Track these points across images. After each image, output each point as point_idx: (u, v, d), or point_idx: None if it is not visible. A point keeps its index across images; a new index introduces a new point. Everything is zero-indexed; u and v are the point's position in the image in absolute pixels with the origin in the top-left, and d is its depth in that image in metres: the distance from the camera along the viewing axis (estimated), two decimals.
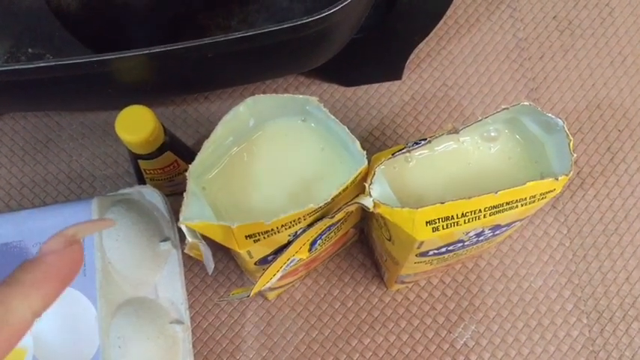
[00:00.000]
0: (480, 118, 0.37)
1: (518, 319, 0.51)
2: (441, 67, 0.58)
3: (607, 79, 0.57)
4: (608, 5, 0.59)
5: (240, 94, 0.57)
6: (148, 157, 0.45)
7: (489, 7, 0.59)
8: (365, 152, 0.37)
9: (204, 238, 0.36)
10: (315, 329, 0.51)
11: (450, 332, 0.50)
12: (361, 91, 0.57)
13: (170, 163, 0.48)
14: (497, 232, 0.40)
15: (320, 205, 0.35)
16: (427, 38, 0.55)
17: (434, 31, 0.54)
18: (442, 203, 0.35)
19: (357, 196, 0.38)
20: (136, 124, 0.42)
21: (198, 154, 0.37)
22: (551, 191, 0.36)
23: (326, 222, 0.37)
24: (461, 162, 0.40)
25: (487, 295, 0.51)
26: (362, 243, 0.53)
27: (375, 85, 0.57)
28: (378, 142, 0.56)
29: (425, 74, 0.58)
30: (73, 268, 0.26)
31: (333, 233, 0.42)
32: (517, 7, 0.59)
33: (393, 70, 0.57)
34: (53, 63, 0.38)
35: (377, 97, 0.57)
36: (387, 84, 0.57)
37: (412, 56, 0.56)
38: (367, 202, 0.36)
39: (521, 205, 0.36)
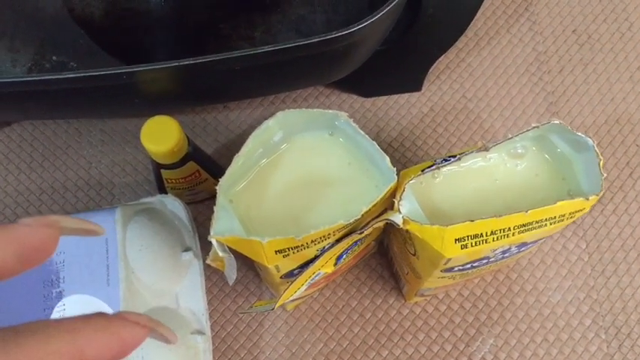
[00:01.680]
0: (509, 136, 0.37)
1: (536, 334, 0.51)
2: (460, 80, 0.58)
3: (626, 94, 0.57)
4: (627, 20, 0.59)
5: (259, 104, 0.57)
6: (171, 166, 0.45)
7: (509, 20, 0.59)
8: (395, 168, 0.37)
9: (230, 250, 0.36)
10: (334, 341, 0.51)
11: (469, 346, 0.50)
12: (380, 101, 0.57)
13: (192, 172, 0.48)
14: (523, 248, 0.40)
15: (350, 221, 0.35)
16: (447, 51, 0.55)
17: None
18: (472, 221, 0.35)
19: (385, 211, 0.38)
20: (161, 135, 0.42)
21: (229, 167, 0.37)
22: (581, 210, 0.36)
23: (354, 237, 0.37)
24: (488, 178, 0.40)
25: (505, 309, 0.51)
26: (380, 255, 0.53)
27: (395, 97, 0.57)
28: (397, 154, 0.56)
29: (444, 86, 0.58)
30: (40, 249, 0.25)
31: (357, 247, 0.42)
32: (537, 21, 0.59)
33: (412, 82, 0.57)
34: (82, 74, 0.38)
35: (396, 108, 0.57)
36: (406, 95, 0.57)
37: (432, 68, 0.56)
38: (397, 218, 0.36)
39: (550, 224, 0.36)
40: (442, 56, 0.56)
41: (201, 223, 0.53)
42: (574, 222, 0.53)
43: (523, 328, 0.51)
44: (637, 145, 0.56)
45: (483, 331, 0.51)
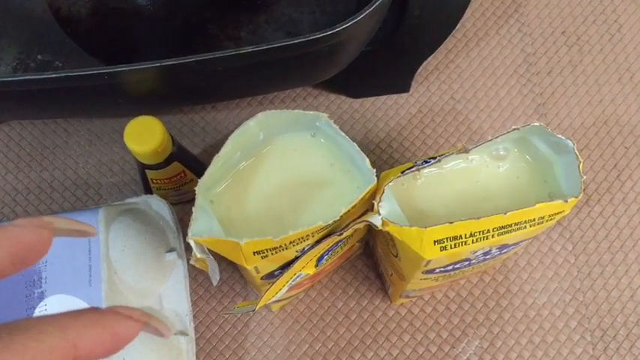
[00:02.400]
0: (490, 138, 0.37)
1: (522, 336, 0.51)
2: (448, 81, 0.58)
3: (615, 96, 0.57)
4: (616, 22, 0.59)
5: (247, 104, 0.57)
6: (156, 167, 0.45)
7: (498, 21, 0.59)
8: (374, 170, 0.37)
9: (211, 251, 0.36)
10: (319, 342, 0.51)
11: (454, 347, 0.50)
12: (368, 102, 0.57)
13: (177, 173, 0.48)
14: (504, 250, 0.40)
15: (328, 222, 0.35)
16: (436, 52, 0.55)
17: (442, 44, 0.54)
18: (451, 223, 0.35)
19: (365, 213, 0.38)
20: (144, 135, 0.42)
21: (208, 168, 0.37)
22: (560, 212, 0.36)
23: (334, 239, 0.37)
24: (469, 180, 0.40)
25: (491, 311, 0.51)
26: (366, 256, 0.53)
27: (383, 98, 0.57)
28: (384, 155, 0.56)
29: (433, 87, 0.58)
30: (34, 250, 0.25)
31: (339, 248, 0.42)
32: (526, 22, 0.59)
33: (400, 83, 0.57)
34: (64, 74, 0.38)
35: (384, 109, 0.57)
36: (394, 96, 0.57)
37: (420, 69, 0.56)
38: (376, 220, 0.36)
39: (530, 226, 0.36)
40: (430, 57, 0.56)
41: (187, 223, 0.52)
42: (560, 223, 0.53)
43: (509, 330, 0.51)
44: (625, 147, 0.56)
45: (469, 332, 0.51)
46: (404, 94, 0.57)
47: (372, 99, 0.57)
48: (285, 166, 0.40)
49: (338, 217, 0.35)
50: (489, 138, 0.37)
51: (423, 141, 0.56)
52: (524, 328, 0.51)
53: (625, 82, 0.58)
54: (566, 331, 0.51)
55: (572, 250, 0.53)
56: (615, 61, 0.58)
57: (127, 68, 0.39)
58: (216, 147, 0.56)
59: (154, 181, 0.48)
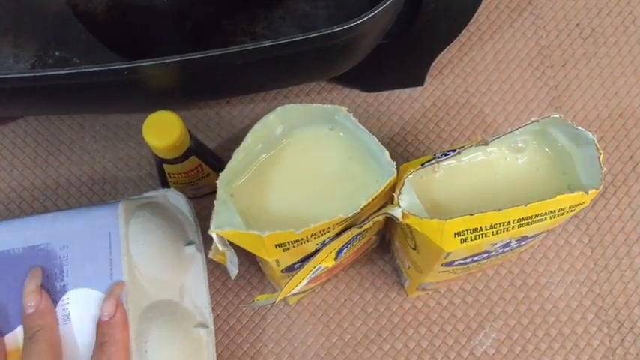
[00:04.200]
0: (509, 130, 0.37)
1: (538, 328, 0.51)
2: (463, 74, 0.58)
3: (630, 88, 0.57)
4: (631, 13, 0.59)
5: (262, 99, 0.57)
6: (174, 161, 0.46)
7: (512, 14, 0.59)
8: (394, 163, 0.37)
9: (231, 244, 0.37)
10: (335, 335, 0.51)
11: (470, 340, 0.51)
12: (382, 96, 0.57)
13: (194, 167, 0.48)
14: (523, 242, 0.40)
15: (349, 215, 0.35)
16: (450, 45, 0.55)
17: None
18: (471, 215, 0.35)
19: (384, 206, 0.38)
20: (163, 130, 0.43)
21: (229, 162, 0.37)
22: (580, 204, 0.36)
23: (354, 231, 0.38)
24: (488, 173, 0.40)
25: (508, 303, 0.51)
26: (382, 249, 0.53)
27: (397, 91, 0.57)
28: (399, 149, 0.56)
29: (447, 80, 0.58)
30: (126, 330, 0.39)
31: (358, 241, 0.42)
32: (540, 15, 0.59)
33: (415, 77, 0.57)
34: (83, 70, 0.39)
35: (398, 103, 0.57)
36: (408, 90, 0.58)
37: (434, 63, 0.56)
38: (396, 212, 0.36)
39: (550, 218, 0.36)
40: (445, 51, 0.56)
41: (204, 217, 0.53)
42: (576, 216, 0.53)
43: (525, 323, 0.51)
44: None
45: (485, 325, 0.51)
46: (418, 88, 0.57)
47: (386, 93, 0.57)
48: (304, 159, 0.40)
49: (359, 210, 0.36)
50: (509, 130, 0.37)
51: (437, 134, 0.56)
52: (540, 321, 0.51)
53: None
54: (582, 324, 0.51)
55: (589, 243, 0.53)
56: (630, 53, 0.58)
57: (146, 63, 0.39)
58: (231, 142, 0.56)
59: (172, 176, 0.48)
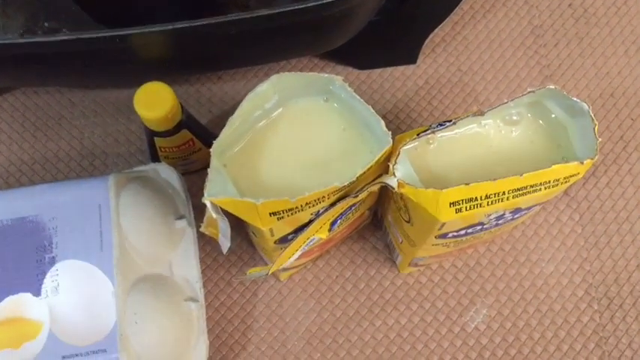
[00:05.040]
0: (505, 100, 0.37)
1: (529, 304, 0.51)
2: (455, 53, 0.58)
3: (621, 68, 0.57)
4: None
5: (254, 75, 0.57)
6: (165, 134, 0.45)
7: None
8: (390, 132, 0.37)
9: (225, 214, 0.36)
10: (327, 311, 0.51)
11: (462, 316, 0.51)
12: (375, 74, 0.57)
13: (186, 141, 0.47)
14: (517, 215, 0.40)
15: (344, 184, 0.35)
16: (443, 23, 0.55)
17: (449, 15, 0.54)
18: (467, 184, 0.35)
19: (380, 176, 0.38)
20: (154, 101, 0.42)
21: (223, 130, 0.36)
22: (575, 175, 0.36)
23: (349, 201, 0.37)
24: (482, 145, 0.40)
25: (499, 280, 0.51)
26: (374, 226, 0.53)
27: (390, 69, 0.57)
28: (391, 126, 0.56)
29: (439, 59, 0.57)
30: None
31: (351, 214, 0.42)
32: None
33: (408, 54, 0.57)
34: (75, 37, 0.38)
35: (391, 80, 0.57)
36: (401, 68, 0.57)
37: (427, 41, 0.56)
38: (392, 182, 0.36)
39: (545, 189, 0.36)
40: (438, 29, 0.55)
41: (194, 194, 0.53)
42: (567, 194, 0.54)
43: (516, 299, 0.51)
44: (631, 119, 0.56)
45: (476, 301, 0.51)
46: (411, 66, 0.57)
47: (378, 70, 0.57)
48: (298, 131, 0.40)
49: (354, 179, 0.35)
50: (505, 101, 0.37)
51: (430, 112, 0.56)
52: (531, 297, 0.51)
53: (631, 55, 0.58)
54: (573, 300, 0.51)
55: (579, 221, 0.53)
56: (622, 33, 0.58)
57: (139, 31, 0.38)
58: (222, 118, 0.56)
59: (162, 150, 0.48)
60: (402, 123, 0.56)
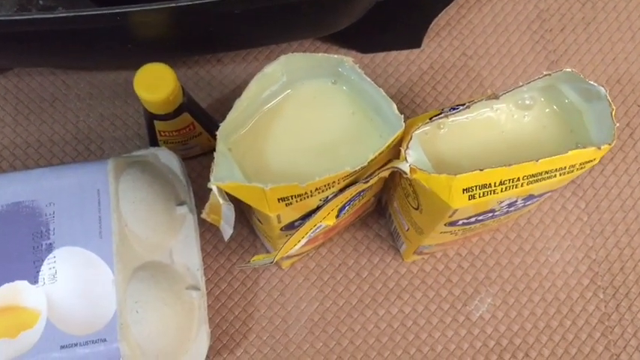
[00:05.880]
0: (520, 84, 0.36)
1: (534, 293, 0.50)
2: (460, 37, 0.56)
3: (628, 54, 0.56)
4: None
5: (254, 58, 0.55)
6: (165, 117, 0.44)
7: None
8: (402, 115, 0.35)
9: (230, 199, 0.35)
10: (329, 299, 0.50)
11: (466, 305, 0.50)
12: (379, 58, 0.56)
13: (186, 125, 0.46)
14: (529, 202, 0.39)
15: (356, 168, 0.34)
16: (448, 6, 0.53)
17: None
18: (481, 170, 0.34)
19: (390, 160, 0.37)
20: (155, 83, 0.41)
21: (230, 112, 0.35)
22: (591, 161, 0.35)
23: (358, 187, 0.36)
24: (494, 130, 0.39)
25: (504, 269, 0.51)
26: (378, 213, 0.52)
27: (394, 53, 0.56)
28: None
29: (444, 43, 0.56)
30: None
31: (359, 200, 0.41)
32: None
33: (412, 38, 0.55)
34: (74, 14, 0.36)
35: (395, 64, 0.56)
36: (405, 52, 0.56)
37: (432, 24, 0.55)
38: (404, 167, 0.35)
39: (560, 175, 0.35)
40: (443, 12, 0.54)
41: (194, 179, 0.52)
42: (573, 182, 0.53)
43: (521, 288, 0.50)
44: (638, 106, 0.55)
45: (481, 290, 0.50)
46: (415, 50, 0.56)
47: (382, 54, 0.56)
48: (305, 114, 0.39)
49: (366, 163, 0.34)
50: (520, 84, 0.36)
51: (434, 98, 0.55)
52: (536, 286, 0.50)
53: (638, 40, 0.57)
54: (578, 289, 0.50)
55: (585, 209, 0.52)
56: (628, 18, 0.57)
57: (140, 8, 0.37)
58: (222, 102, 0.54)
59: (162, 134, 0.46)
60: (406, 108, 0.55)
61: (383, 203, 0.51)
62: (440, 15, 0.54)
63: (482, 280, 0.50)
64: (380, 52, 0.56)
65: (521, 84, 0.36)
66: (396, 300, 0.50)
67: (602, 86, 0.35)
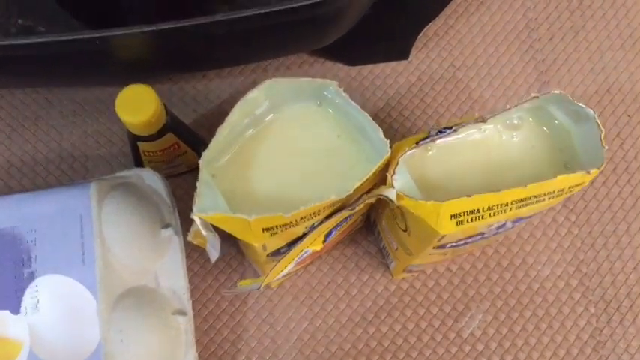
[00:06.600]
0: (508, 107, 0.36)
1: (525, 308, 0.50)
2: (448, 47, 0.56)
3: (617, 63, 0.56)
4: None
5: (240, 72, 0.54)
6: (149, 138, 0.43)
7: None
8: (388, 141, 0.35)
9: (214, 227, 0.34)
10: (319, 318, 0.49)
11: (457, 321, 0.49)
12: (366, 70, 0.55)
13: (170, 145, 0.45)
14: (517, 223, 0.39)
15: (341, 197, 0.33)
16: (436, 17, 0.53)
17: None
18: (469, 196, 0.33)
19: (377, 186, 0.36)
20: (137, 105, 0.40)
21: (212, 140, 0.34)
22: (580, 184, 0.35)
23: (344, 214, 0.36)
24: (482, 151, 0.38)
25: (494, 284, 0.50)
26: (366, 229, 0.51)
27: (381, 65, 0.55)
28: (383, 125, 0.54)
29: (432, 54, 0.56)
30: None
31: (346, 224, 0.40)
32: None
33: (400, 50, 0.55)
34: (51, 39, 0.36)
35: (382, 77, 0.55)
36: (392, 64, 0.55)
37: (420, 35, 0.54)
38: (391, 194, 0.34)
39: (549, 199, 0.35)
40: (430, 23, 0.54)
41: (180, 197, 0.51)
42: None
43: (512, 303, 0.50)
44: (628, 116, 0.55)
45: (472, 306, 0.50)
46: (403, 62, 0.55)
47: (370, 67, 0.55)
48: (290, 137, 0.38)
49: (351, 191, 0.34)
50: (508, 107, 0.36)
51: (423, 110, 0.54)
52: (527, 301, 0.50)
53: (628, 49, 0.56)
54: (569, 303, 0.50)
55: (575, 221, 0.52)
56: (617, 27, 0.57)
57: (120, 33, 0.36)
58: (207, 117, 0.53)
59: (146, 154, 0.46)
60: (394, 121, 0.54)
61: (372, 220, 0.50)
62: (428, 26, 0.54)
63: (472, 296, 0.50)
64: (367, 64, 0.55)
65: (508, 107, 0.36)
66: (386, 317, 0.49)
67: (592, 109, 0.35)
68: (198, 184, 0.33)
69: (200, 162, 0.34)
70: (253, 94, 0.35)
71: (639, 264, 0.51)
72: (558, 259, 0.51)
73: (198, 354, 0.47)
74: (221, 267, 0.50)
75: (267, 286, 0.49)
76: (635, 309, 0.50)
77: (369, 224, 0.51)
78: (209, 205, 0.33)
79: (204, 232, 0.33)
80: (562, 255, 0.51)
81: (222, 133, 0.35)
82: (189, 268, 0.49)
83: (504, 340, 0.49)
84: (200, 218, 0.33)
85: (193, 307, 0.48)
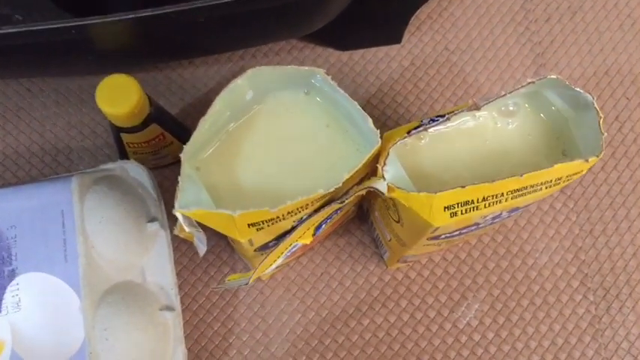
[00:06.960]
0: (503, 93, 0.34)
1: (523, 297, 0.49)
2: (442, 31, 0.54)
3: (616, 44, 0.54)
4: None
5: (227, 59, 0.53)
6: (132, 130, 0.42)
7: None
8: (378, 131, 0.33)
9: (199, 222, 0.33)
10: (312, 310, 0.48)
11: (453, 311, 0.48)
12: (358, 55, 0.54)
13: (155, 136, 0.44)
14: (513, 213, 0.37)
15: (330, 190, 0.32)
16: None
17: None
18: (463, 187, 0.32)
19: (367, 177, 0.35)
20: (118, 95, 0.38)
21: (194, 132, 0.33)
22: (578, 173, 0.34)
23: (334, 207, 0.34)
24: (477, 139, 0.37)
25: (491, 273, 0.49)
26: (360, 219, 0.50)
27: (373, 50, 0.54)
28: (376, 111, 0.52)
29: (426, 38, 0.54)
30: None
31: (337, 215, 0.39)
32: None
33: (392, 34, 0.53)
34: (25, 29, 0.34)
35: (375, 62, 0.53)
36: (385, 48, 0.54)
37: (412, 18, 0.52)
38: (381, 186, 0.33)
39: (546, 188, 0.34)
40: (423, 5, 0.52)
41: (167, 189, 0.49)
42: None
43: (509, 292, 0.49)
44: (627, 98, 0.53)
45: (468, 296, 0.49)
46: (395, 46, 0.54)
47: (361, 51, 0.54)
48: (276, 127, 0.37)
49: (340, 184, 0.32)
50: (502, 93, 0.34)
51: (416, 95, 0.53)
52: (525, 290, 0.49)
53: (626, 29, 0.55)
54: (568, 292, 0.49)
55: (574, 208, 0.51)
56: (616, 6, 0.55)
57: (98, 21, 0.34)
58: (195, 106, 0.52)
59: (130, 145, 0.44)
60: (387, 107, 0.52)
61: (365, 209, 0.49)
62: (420, 9, 0.52)
63: (469, 286, 0.49)
64: (358, 49, 0.53)
65: (503, 93, 0.34)
66: (380, 309, 0.48)
67: (590, 94, 0.33)
68: (179, 179, 0.32)
69: (182, 155, 0.33)
70: (237, 84, 0.34)
71: (638, 250, 0.50)
72: (556, 246, 0.50)
73: (189, 349, 0.46)
74: (211, 260, 0.49)
75: (259, 279, 0.48)
76: (635, 296, 0.49)
77: (362, 213, 0.50)
78: (192, 200, 0.32)
79: (187, 229, 0.31)
80: (560, 242, 0.50)
81: (204, 125, 0.33)
82: (177, 262, 0.48)
83: (501, 329, 0.48)
84: (182, 214, 0.31)
85: (183, 302, 0.47)
